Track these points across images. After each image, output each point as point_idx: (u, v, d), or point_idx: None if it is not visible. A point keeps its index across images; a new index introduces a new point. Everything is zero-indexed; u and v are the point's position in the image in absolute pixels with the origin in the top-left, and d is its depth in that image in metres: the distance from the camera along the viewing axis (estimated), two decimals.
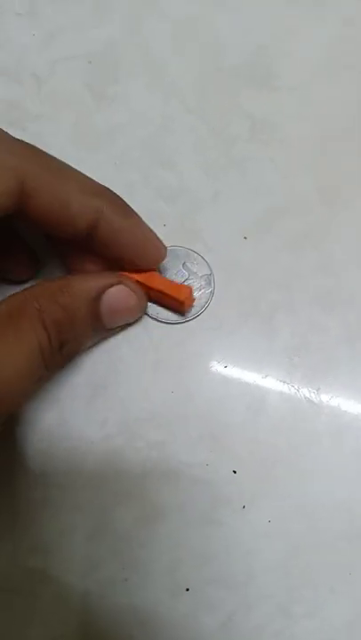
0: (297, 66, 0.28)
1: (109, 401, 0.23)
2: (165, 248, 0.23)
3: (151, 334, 0.24)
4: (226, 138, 0.26)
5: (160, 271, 0.24)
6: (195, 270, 0.24)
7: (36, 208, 0.20)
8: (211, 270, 0.24)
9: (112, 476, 0.23)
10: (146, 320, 0.24)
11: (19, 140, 0.20)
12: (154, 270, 0.23)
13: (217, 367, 0.24)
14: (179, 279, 0.24)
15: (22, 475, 0.23)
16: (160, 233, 0.25)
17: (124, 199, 0.26)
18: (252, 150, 0.26)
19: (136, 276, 0.23)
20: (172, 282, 0.23)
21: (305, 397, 0.23)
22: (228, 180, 0.26)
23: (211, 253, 0.25)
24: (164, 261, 0.23)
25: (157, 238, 0.22)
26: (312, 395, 0.23)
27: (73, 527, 0.22)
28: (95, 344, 0.24)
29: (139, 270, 0.23)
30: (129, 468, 0.23)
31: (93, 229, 0.21)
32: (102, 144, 0.27)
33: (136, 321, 0.24)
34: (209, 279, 0.24)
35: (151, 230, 0.22)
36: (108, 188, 0.22)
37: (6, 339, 0.18)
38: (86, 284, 0.21)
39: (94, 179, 0.24)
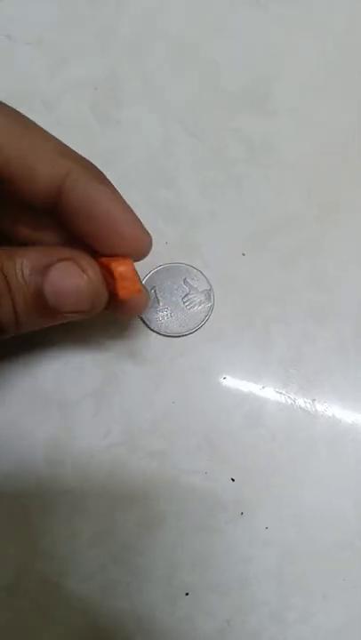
0: (292, 89, 0.29)
1: (113, 412, 0.24)
2: (150, 236, 0.20)
3: (153, 347, 0.25)
4: (223, 158, 0.28)
5: (158, 298, 0.23)
6: (195, 286, 0.25)
7: None
8: (210, 285, 0.25)
9: (115, 483, 0.24)
10: (148, 333, 0.25)
11: None
12: (130, 259, 0.19)
13: (216, 378, 0.25)
14: (180, 294, 0.25)
15: (33, 481, 0.24)
16: (161, 250, 0.26)
17: None
18: (248, 170, 0.27)
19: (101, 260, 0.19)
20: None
21: (301, 407, 0.24)
22: (225, 199, 0.27)
23: (210, 269, 0.26)
24: (164, 279, 0.24)
25: (135, 217, 0.20)
26: (308, 405, 0.24)
27: (78, 532, 0.23)
28: (45, 326, 0.20)
29: (114, 257, 0.19)
30: (131, 476, 0.24)
31: (60, 196, 0.19)
32: (106, 165, 0.28)
33: (133, 330, 0.25)
34: (208, 294, 0.25)
35: (132, 210, 0.20)
36: (78, 154, 0.19)
37: None
38: (32, 254, 0.19)
39: None
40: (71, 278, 0.19)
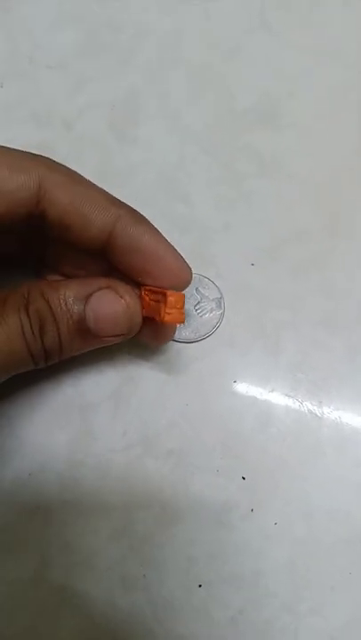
0: (301, 106, 0.30)
1: (130, 413, 0.26)
2: (190, 268, 0.22)
3: (167, 352, 0.26)
4: (236, 174, 0.29)
5: None
6: (206, 294, 0.27)
7: (53, 210, 0.20)
8: (221, 294, 0.27)
9: (133, 481, 0.25)
10: None
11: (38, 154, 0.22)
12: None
13: (227, 382, 0.26)
14: (192, 302, 0.27)
15: (55, 481, 0.25)
16: None
17: None
18: (259, 184, 0.29)
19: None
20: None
21: (308, 410, 0.25)
22: (237, 212, 0.28)
23: (221, 279, 0.27)
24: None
25: (178, 253, 0.22)
26: (315, 408, 0.25)
27: (98, 528, 0.24)
28: (89, 350, 0.23)
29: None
30: (148, 474, 0.25)
31: (110, 238, 0.21)
32: (124, 181, 0.30)
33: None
34: (220, 302, 0.27)
35: (174, 248, 0.22)
36: (125, 204, 0.22)
37: None
38: (74, 285, 0.21)
39: None
40: (110, 304, 0.21)
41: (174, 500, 0.24)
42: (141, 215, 0.22)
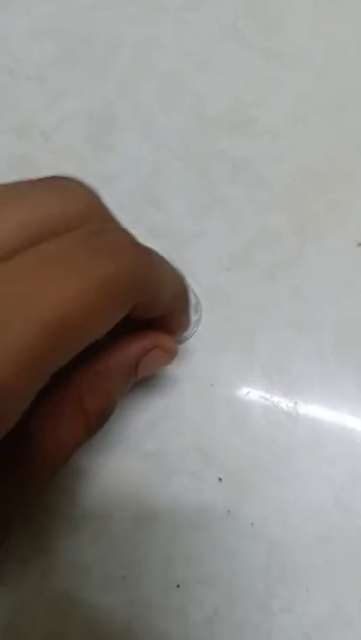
0: (272, 112, 0.31)
1: (111, 416, 0.26)
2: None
3: None
4: (209, 180, 0.30)
5: None
6: None
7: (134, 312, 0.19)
8: (197, 299, 0.27)
9: (112, 482, 0.25)
10: None
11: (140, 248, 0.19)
12: None
13: (204, 385, 0.26)
14: None
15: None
16: None
17: None
18: (232, 190, 0.29)
19: None
20: None
21: (283, 411, 0.26)
22: (211, 218, 0.29)
23: (197, 284, 0.27)
24: None
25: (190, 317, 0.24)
26: (289, 409, 0.26)
27: (77, 529, 0.25)
28: None
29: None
30: (127, 475, 0.25)
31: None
32: (101, 190, 0.30)
33: None
34: (196, 307, 0.27)
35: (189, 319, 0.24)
36: (183, 284, 0.22)
37: (46, 445, 0.19)
38: (122, 356, 0.21)
39: None
40: (158, 362, 0.22)
41: (152, 502, 0.25)
42: (187, 302, 0.23)
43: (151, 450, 0.26)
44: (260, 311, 0.27)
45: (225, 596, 0.24)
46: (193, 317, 0.27)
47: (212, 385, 0.26)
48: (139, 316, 0.19)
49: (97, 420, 0.21)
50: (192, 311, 0.27)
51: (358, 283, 0.27)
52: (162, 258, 0.20)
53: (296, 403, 0.26)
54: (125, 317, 0.19)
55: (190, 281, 0.28)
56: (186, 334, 0.27)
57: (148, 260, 0.19)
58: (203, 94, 0.31)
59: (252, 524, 0.24)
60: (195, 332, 0.27)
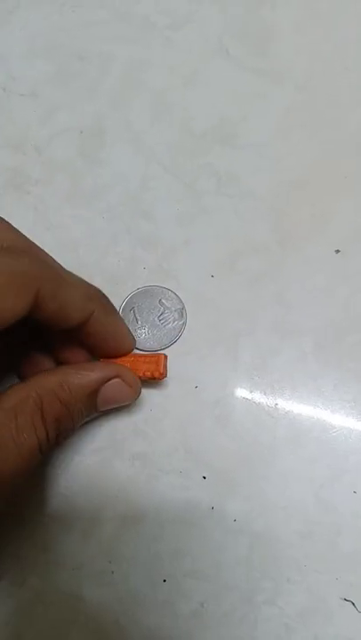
0: (256, 126, 0.32)
1: (98, 419, 0.27)
2: (134, 340, 0.26)
3: None
4: (196, 191, 0.31)
5: (137, 317, 0.28)
6: (169, 305, 0.28)
7: (41, 312, 0.22)
8: (183, 305, 0.29)
9: (101, 482, 0.26)
10: None
11: (30, 251, 0.23)
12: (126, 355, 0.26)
13: (189, 387, 0.27)
14: (156, 313, 0.28)
15: (25, 483, 0.27)
16: (140, 275, 0.30)
17: (111, 248, 0.30)
18: (218, 201, 0.31)
19: (117, 361, 0.25)
20: (147, 356, 0.26)
21: (265, 411, 0.27)
22: (197, 228, 0.30)
23: (183, 290, 0.29)
24: (142, 300, 0.28)
25: (130, 332, 0.26)
26: (271, 409, 0.27)
27: (69, 527, 0.26)
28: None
29: (114, 356, 0.26)
30: (115, 475, 0.27)
31: (83, 324, 0.24)
32: (92, 201, 0.31)
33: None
34: (181, 312, 0.28)
35: (126, 326, 0.26)
36: (98, 290, 0.25)
37: (5, 441, 0.20)
38: (84, 378, 0.23)
39: (86, 231, 0.28)
40: (120, 394, 0.24)
41: (140, 500, 0.26)
42: (109, 304, 0.25)
43: (138, 451, 0.27)
44: (243, 316, 0.28)
45: (211, 589, 0.25)
46: (178, 322, 0.28)
47: (196, 387, 0.27)
48: (56, 314, 0.22)
49: (53, 426, 0.22)
50: (177, 316, 0.28)
51: (337, 288, 0.28)
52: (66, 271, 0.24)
53: (278, 403, 0.27)
54: (49, 317, 0.22)
55: (177, 287, 0.29)
56: (170, 339, 0.28)
57: (43, 261, 0.22)
58: (191, 110, 0.33)
59: (235, 520, 0.25)
60: (180, 335, 0.28)
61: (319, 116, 0.32)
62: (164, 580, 0.25)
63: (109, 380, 0.24)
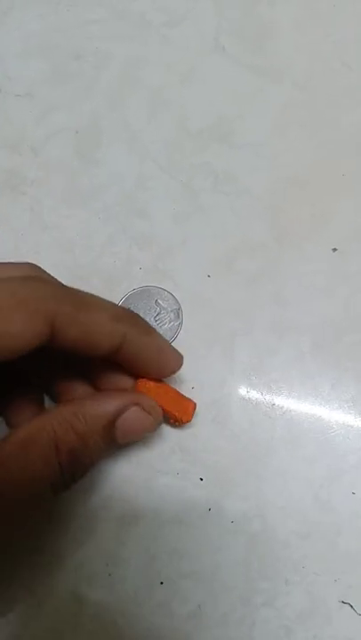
0: (253, 124, 0.32)
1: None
2: (182, 356, 0.24)
3: None
4: (192, 190, 0.31)
5: (132, 307, 0.28)
6: (165, 306, 0.28)
7: (62, 340, 0.20)
8: (179, 305, 0.28)
9: (99, 484, 0.26)
10: None
11: (49, 280, 0.22)
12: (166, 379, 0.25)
13: (186, 388, 0.27)
14: (152, 314, 0.28)
15: None
16: (136, 275, 0.29)
17: (107, 248, 0.30)
18: (214, 200, 0.30)
19: (147, 391, 0.24)
20: (179, 395, 0.25)
21: (263, 412, 0.27)
22: (193, 227, 0.30)
23: (179, 290, 0.29)
24: (138, 300, 0.27)
25: (173, 349, 0.24)
26: (268, 409, 0.27)
27: (66, 529, 0.26)
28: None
29: (154, 379, 0.24)
30: (113, 477, 0.26)
31: (118, 349, 0.22)
32: (88, 201, 0.31)
33: None
34: (178, 313, 0.28)
35: (168, 342, 0.24)
36: (127, 310, 0.23)
37: (15, 475, 0.19)
38: (100, 408, 0.21)
39: (82, 232, 0.27)
40: (140, 422, 0.22)
41: (137, 501, 0.26)
42: (144, 323, 0.23)
43: (136, 453, 0.27)
44: (240, 316, 0.28)
45: (208, 590, 0.25)
46: (175, 322, 0.28)
47: (193, 388, 0.27)
48: (81, 341, 0.20)
49: (68, 460, 0.20)
50: (173, 316, 0.28)
51: (334, 287, 0.28)
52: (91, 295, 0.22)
53: (275, 404, 0.27)
54: (71, 345, 0.20)
55: (173, 287, 0.29)
56: (168, 339, 0.28)
57: (59, 285, 0.21)
58: (187, 108, 0.33)
59: (233, 521, 0.25)
60: (176, 336, 0.28)
61: (317, 114, 0.32)
62: (162, 582, 0.25)
63: (127, 408, 0.22)
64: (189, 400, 0.25)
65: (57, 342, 0.20)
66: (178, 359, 0.24)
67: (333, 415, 0.27)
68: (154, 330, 0.23)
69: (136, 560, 0.25)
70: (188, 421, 0.25)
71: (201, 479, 0.26)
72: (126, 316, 0.22)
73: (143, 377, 0.24)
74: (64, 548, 0.26)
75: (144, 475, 0.26)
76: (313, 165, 0.31)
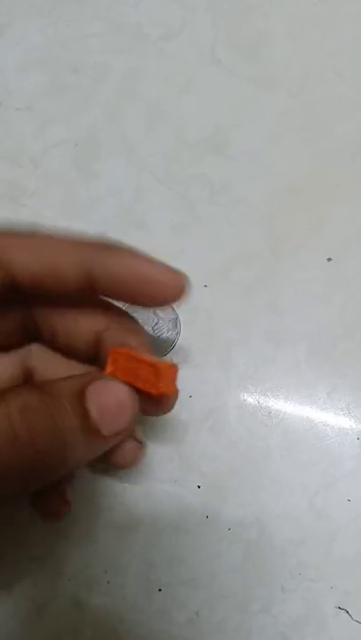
0: (249, 134, 0.33)
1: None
2: (182, 276, 0.20)
3: None
4: (189, 201, 0.31)
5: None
6: (163, 315, 0.29)
7: (25, 278, 0.19)
8: (177, 314, 0.29)
9: (98, 491, 0.27)
10: None
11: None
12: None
13: (184, 397, 0.28)
14: (150, 323, 0.29)
15: None
16: None
17: None
18: (211, 211, 0.31)
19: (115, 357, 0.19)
20: (155, 365, 0.19)
21: (259, 420, 0.27)
22: (191, 237, 0.30)
23: None
24: (136, 310, 0.28)
25: (168, 268, 0.20)
26: (265, 417, 0.27)
27: (65, 536, 0.26)
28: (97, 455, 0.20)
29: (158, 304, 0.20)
30: (112, 484, 0.27)
31: (89, 280, 0.19)
32: (86, 213, 0.32)
33: None
34: (175, 322, 0.29)
35: (162, 263, 0.20)
36: (99, 238, 0.20)
37: None
38: (68, 380, 0.19)
39: None
40: (113, 391, 0.19)
41: (135, 509, 0.26)
42: (119, 246, 0.20)
43: None
44: (237, 325, 0.29)
45: (206, 597, 0.25)
46: (173, 332, 0.29)
47: (190, 397, 0.28)
48: (45, 276, 0.19)
49: (23, 431, 0.17)
50: (171, 326, 0.29)
51: (330, 295, 0.29)
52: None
53: (272, 412, 0.27)
54: None
55: None
56: (164, 349, 0.28)
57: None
58: (184, 119, 0.33)
59: (230, 528, 0.26)
60: (174, 345, 0.28)
61: (312, 124, 0.33)
62: (160, 589, 0.25)
63: (96, 380, 0.19)
64: (169, 365, 0.20)
65: (19, 284, 0.19)
66: (174, 279, 0.20)
67: (329, 422, 0.27)
68: (136, 252, 0.20)
69: (135, 567, 0.26)
70: (169, 392, 0.20)
71: (198, 487, 0.26)
72: (93, 241, 0.19)
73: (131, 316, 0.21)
74: (63, 554, 0.26)
75: (143, 482, 0.27)
76: (308, 174, 0.31)
